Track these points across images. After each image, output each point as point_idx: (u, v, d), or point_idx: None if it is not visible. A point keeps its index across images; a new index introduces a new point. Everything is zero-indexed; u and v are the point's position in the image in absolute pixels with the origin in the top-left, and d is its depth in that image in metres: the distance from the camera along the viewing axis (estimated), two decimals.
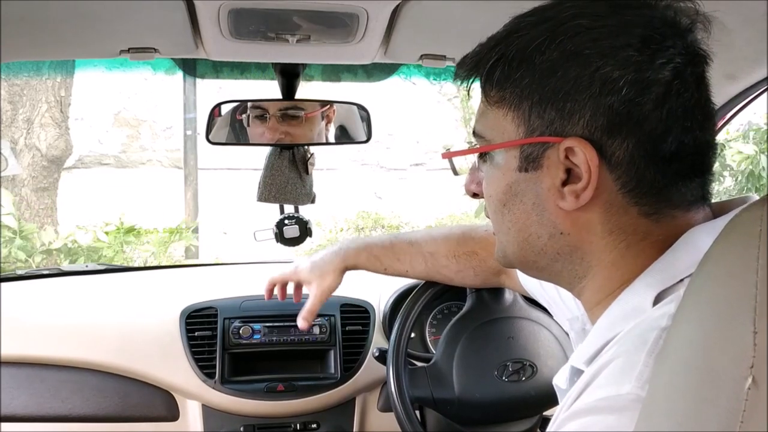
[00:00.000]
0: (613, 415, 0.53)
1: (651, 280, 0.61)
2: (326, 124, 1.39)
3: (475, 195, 0.76)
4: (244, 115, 1.36)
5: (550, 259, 0.68)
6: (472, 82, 0.70)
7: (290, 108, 1.34)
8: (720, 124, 1.18)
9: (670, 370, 0.47)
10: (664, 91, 0.59)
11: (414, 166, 7.22)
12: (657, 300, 0.59)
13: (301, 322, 1.28)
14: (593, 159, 0.59)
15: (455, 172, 0.85)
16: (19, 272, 1.75)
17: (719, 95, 1.10)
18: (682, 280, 0.59)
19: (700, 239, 0.60)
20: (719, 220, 0.62)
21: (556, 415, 0.64)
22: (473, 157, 0.76)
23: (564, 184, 0.62)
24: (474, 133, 0.71)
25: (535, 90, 0.62)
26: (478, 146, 0.70)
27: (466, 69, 0.68)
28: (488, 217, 0.73)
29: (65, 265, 4.10)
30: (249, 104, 1.35)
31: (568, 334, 0.88)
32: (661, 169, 0.60)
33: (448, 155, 0.76)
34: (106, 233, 4.77)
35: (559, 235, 0.65)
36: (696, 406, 0.43)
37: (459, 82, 0.70)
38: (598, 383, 0.57)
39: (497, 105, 0.66)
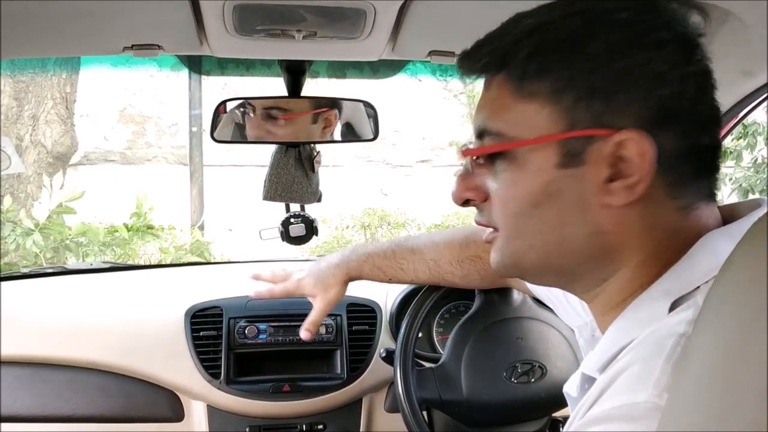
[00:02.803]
0: (630, 424, 0.52)
1: (668, 287, 0.60)
2: (324, 129, 1.35)
3: (466, 203, 0.70)
4: (249, 113, 1.34)
5: (576, 262, 0.65)
6: (493, 76, 0.65)
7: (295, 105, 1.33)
8: (734, 122, 1.17)
9: (690, 379, 0.46)
10: (703, 85, 0.62)
11: (420, 163, 7.20)
12: (672, 307, 0.58)
13: (305, 334, 1.29)
14: (649, 151, 0.59)
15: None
16: (24, 270, 1.74)
17: (735, 92, 1.09)
18: (698, 287, 0.58)
19: (718, 244, 0.59)
20: (735, 224, 0.62)
21: (569, 424, 0.62)
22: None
23: (609, 179, 0.61)
24: (482, 132, 0.66)
25: (579, 82, 0.60)
26: (492, 144, 0.65)
27: (484, 62, 0.65)
28: (484, 224, 0.69)
29: (70, 264, 4.09)
30: (254, 101, 1.34)
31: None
32: (696, 162, 0.62)
33: (470, 152, 0.67)
34: (126, 227, 4.67)
35: (597, 235, 0.63)
36: (717, 418, 0.41)
37: (472, 77, 0.66)
38: (613, 391, 0.55)
39: (528, 99, 0.62)
